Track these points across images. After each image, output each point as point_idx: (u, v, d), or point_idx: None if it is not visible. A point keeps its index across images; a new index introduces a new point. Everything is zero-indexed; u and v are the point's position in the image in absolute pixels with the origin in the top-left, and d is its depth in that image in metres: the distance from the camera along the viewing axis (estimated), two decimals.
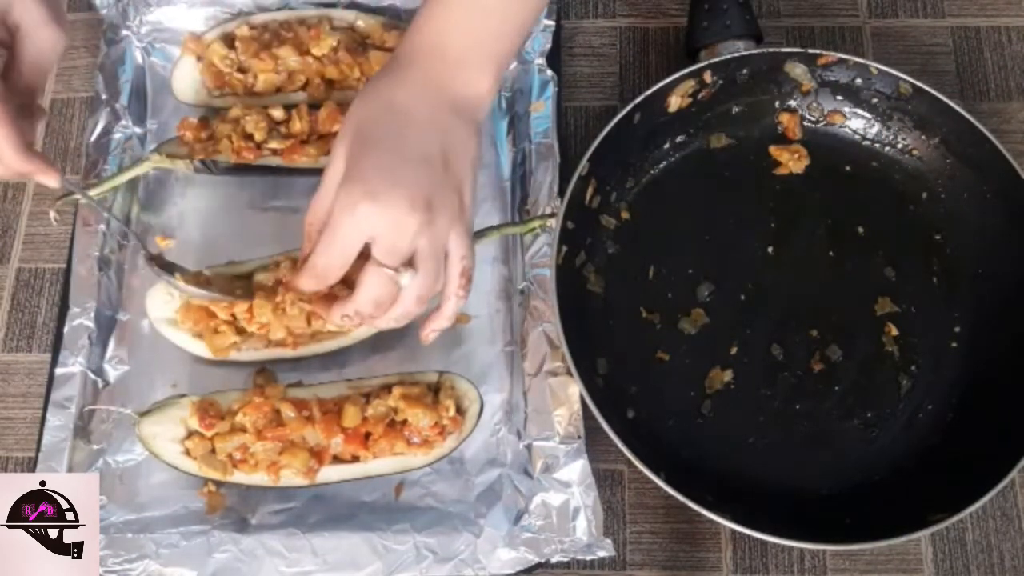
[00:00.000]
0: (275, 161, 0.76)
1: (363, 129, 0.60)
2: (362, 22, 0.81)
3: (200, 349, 0.72)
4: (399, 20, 0.83)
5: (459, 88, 0.62)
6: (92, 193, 0.75)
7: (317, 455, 0.68)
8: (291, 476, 0.68)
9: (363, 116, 0.61)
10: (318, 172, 0.76)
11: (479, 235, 0.73)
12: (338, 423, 0.68)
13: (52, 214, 0.74)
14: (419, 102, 0.60)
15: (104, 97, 0.80)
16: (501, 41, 0.63)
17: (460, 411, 0.69)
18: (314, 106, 0.78)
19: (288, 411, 0.67)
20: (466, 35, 0.62)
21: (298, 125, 0.76)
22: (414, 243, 0.58)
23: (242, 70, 0.80)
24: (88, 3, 0.85)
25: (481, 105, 0.63)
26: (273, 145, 0.76)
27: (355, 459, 0.68)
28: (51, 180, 0.65)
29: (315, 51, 0.79)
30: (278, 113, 0.77)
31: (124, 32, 0.83)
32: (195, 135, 0.77)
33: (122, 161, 0.79)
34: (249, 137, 0.76)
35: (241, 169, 0.77)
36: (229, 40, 0.80)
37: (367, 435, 0.68)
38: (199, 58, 0.80)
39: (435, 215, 0.58)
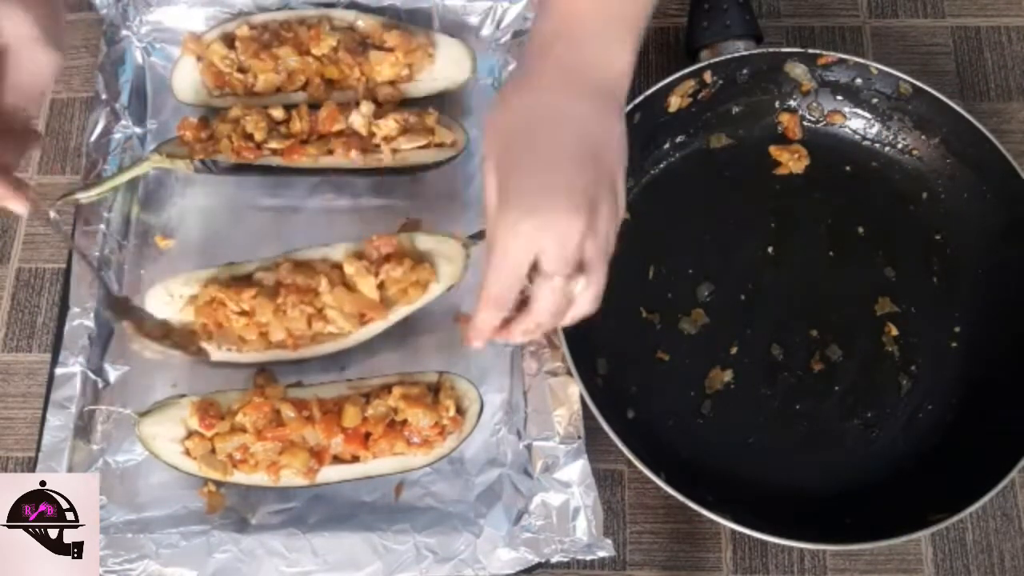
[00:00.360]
0: (275, 161, 0.76)
1: (506, 142, 0.57)
2: (362, 22, 0.81)
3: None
4: (399, 20, 0.83)
5: (598, 71, 0.58)
6: (92, 193, 0.75)
7: (317, 455, 0.68)
8: (291, 476, 0.68)
9: (504, 127, 0.58)
10: (318, 172, 0.77)
11: (479, 236, 0.73)
12: (338, 423, 0.68)
13: (52, 214, 0.74)
14: (559, 99, 0.57)
15: (104, 97, 0.80)
16: (635, 10, 0.59)
17: (460, 411, 0.69)
18: (314, 106, 0.78)
19: (288, 411, 0.67)
20: (597, 11, 0.58)
21: (298, 125, 0.76)
22: (580, 249, 0.56)
23: (242, 70, 0.80)
24: (88, 3, 0.85)
25: (622, 83, 0.59)
26: (273, 145, 0.76)
27: (355, 459, 0.68)
28: (18, 207, 0.61)
29: (315, 51, 0.79)
30: (278, 113, 0.77)
31: (124, 32, 0.83)
32: (195, 135, 0.77)
33: (122, 161, 0.79)
34: (249, 137, 0.76)
35: (241, 169, 0.77)
36: (229, 40, 0.80)
37: (367, 435, 0.68)
38: (199, 58, 0.80)
39: (596, 216, 0.56)
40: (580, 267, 0.57)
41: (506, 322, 0.61)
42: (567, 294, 0.58)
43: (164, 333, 0.71)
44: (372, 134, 0.76)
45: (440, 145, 0.77)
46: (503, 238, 0.56)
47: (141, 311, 0.72)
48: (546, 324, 0.60)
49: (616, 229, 0.59)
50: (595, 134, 0.58)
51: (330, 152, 0.76)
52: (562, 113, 0.57)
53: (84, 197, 0.75)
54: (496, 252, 0.57)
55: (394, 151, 0.76)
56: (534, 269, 0.57)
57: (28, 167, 0.83)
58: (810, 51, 0.78)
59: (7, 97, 0.58)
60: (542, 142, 0.57)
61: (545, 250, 0.56)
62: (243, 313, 0.71)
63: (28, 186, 0.62)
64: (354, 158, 0.76)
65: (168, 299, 0.73)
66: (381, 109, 0.77)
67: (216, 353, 0.72)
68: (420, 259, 0.72)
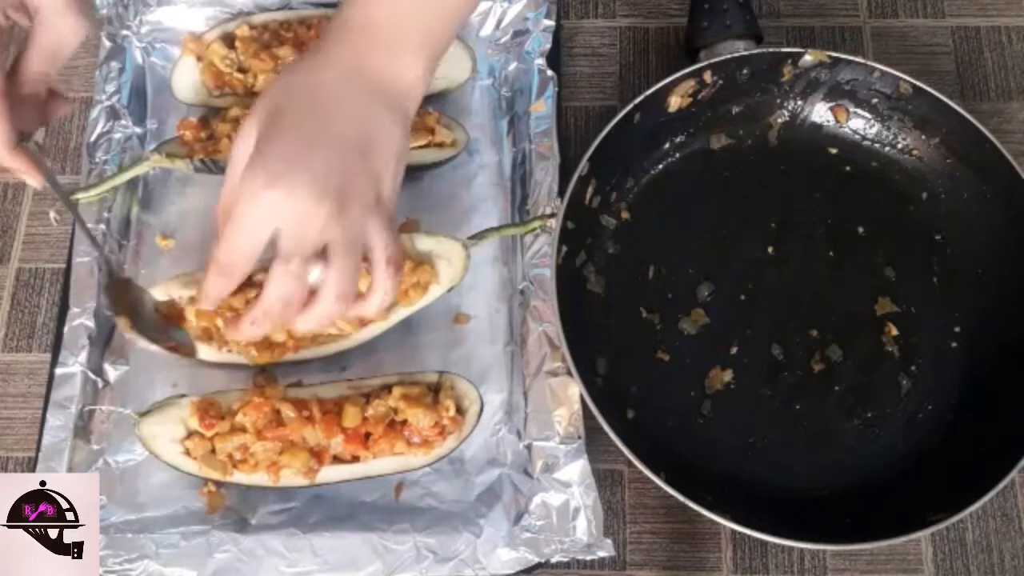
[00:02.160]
0: None
1: (277, 111, 0.55)
2: None
3: (201, 350, 0.72)
4: None
5: (388, 73, 0.57)
6: (92, 193, 0.75)
7: (317, 455, 0.68)
8: (291, 476, 0.68)
9: (279, 97, 0.56)
10: None
11: (479, 236, 0.73)
12: (338, 423, 0.68)
13: (52, 214, 0.74)
14: (342, 86, 0.56)
15: (104, 97, 0.80)
16: (437, 24, 0.59)
17: (460, 411, 0.69)
18: None
19: (288, 411, 0.67)
20: (399, 15, 0.57)
21: None
22: (323, 235, 0.54)
23: (242, 70, 0.80)
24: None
25: (411, 94, 0.58)
26: None
27: (355, 459, 0.68)
28: (34, 181, 0.62)
29: None
30: None
31: (124, 32, 0.83)
32: (195, 135, 0.77)
33: (122, 161, 0.79)
34: None
35: None
36: (229, 40, 0.80)
37: (367, 435, 0.68)
38: (199, 58, 0.80)
39: (347, 206, 0.54)
40: (321, 256, 0.55)
41: (237, 314, 0.60)
42: (301, 281, 0.56)
43: (164, 315, 0.71)
44: None
45: (440, 145, 0.77)
46: (243, 202, 0.54)
47: (142, 291, 0.71)
48: (275, 313, 0.57)
49: (384, 230, 0.57)
50: (369, 130, 0.56)
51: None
52: (339, 96, 0.56)
53: (84, 197, 0.75)
54: (233, 216, 0.54)
55: None
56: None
57: None
58: (810, 51, 0.78)
59: (32, 63, 0.58)
60: (312, 118, 0.55)
61: (283, 228, 0.54)
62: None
63: (44, 161, 0.62)
64: None
65: (168, 298, 0.73)
66: None
67: (216, 354, 0.72)
68: (420, 260, 0.72)
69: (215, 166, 0.77)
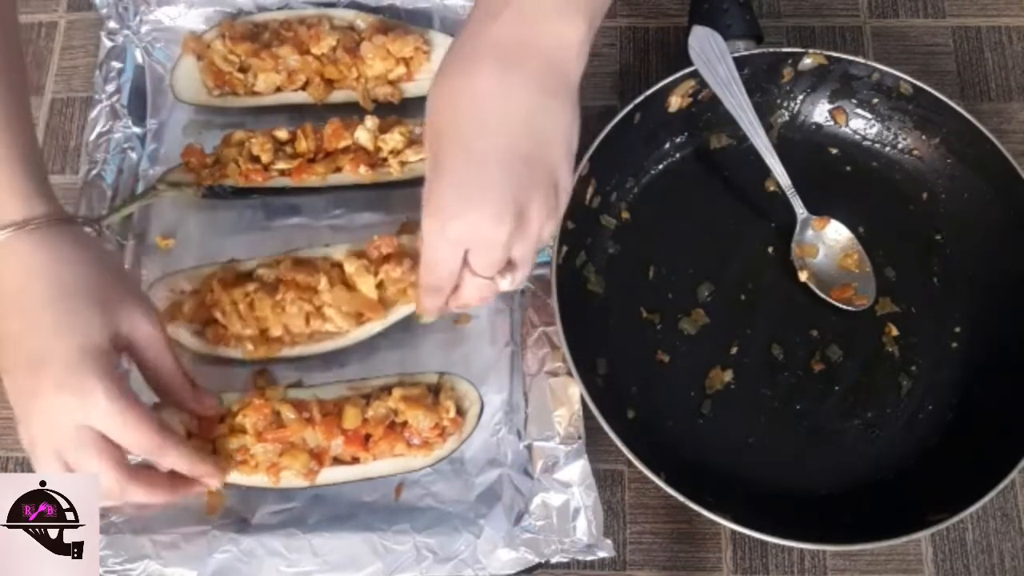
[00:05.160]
0: (284, 182, 0.76)
1: (438, 129, 0.54)
2: (361, 21, 0.81)
3: (200, 346, 0.72)
4: (398, 19, 0.83)
5: (544, 44, 0.52)
6: (103, 224, 0.75)
7: (317, 457, 0.68)
8: (291, 478, 0.68)
9: (437, 114, 0.54)
10: (328, 191, 0.76)
11: None
12: (338, 425, 0.67)
13: None
14: (495, 84, 0.52)
15: (104, 97, 0.80)
16: None
17: (460, 412, 0.69)
18: (318, 124, 0.77)
19: (288, 413, 0.67)
20: None
21: (304, 144, 0.76)
22: (506, 252, 0.55)
23: (242, 69, 0.80)
24: (88, 3, 0.85)
25: (572, 62, 0.53)
26: (280, 166, 0.76)
27: (355, 461, 0.68)
28: (212, 482, 0.64)
29: (315, 50, 0.79)
30: (282, 134, 0.77)
31: (124, 32, 0.83)
32: (201, 161, 0.76)
33: (122, 161, 0.79)
34: (256, 159, 0.76)
35: (249, 193, 0.77)
36: (228, 38, 0.80)
37: (367, 437, 0.68)
38: (199, 57, 0.80)
39: (526, 220, 0.54)
40: (509, 266, 0.57)
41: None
42: (493, 287, 0.59)
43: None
44: (379, 148, 0.76)
45: None
46: (429, 235, 0.56)
47: None
48: (472, 306, 0.62)
49: (556, 224, 0.57)
50: (533, 126, 0.53)
51: (338, 169, 0.76)
52: (495, 100, 0.52)
53: (89, 231, 0.74)
54: (426, 248, 0.57)
55: (402, 164, 0.76)
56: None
57: None
58: (810, 51, 0.78)
59: (153, 375, 0.61)
60: (470, 135, 0.53)
61: (471, 251, 0.56)
62: (240, 305, 0.71)
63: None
64: (363, 173, 0.76)
65: (169, 295, 0.73)
66: (385, 122, 0.77)
67: (213, 349, 0.72)
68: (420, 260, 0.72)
69: (223, 191, 0.76)
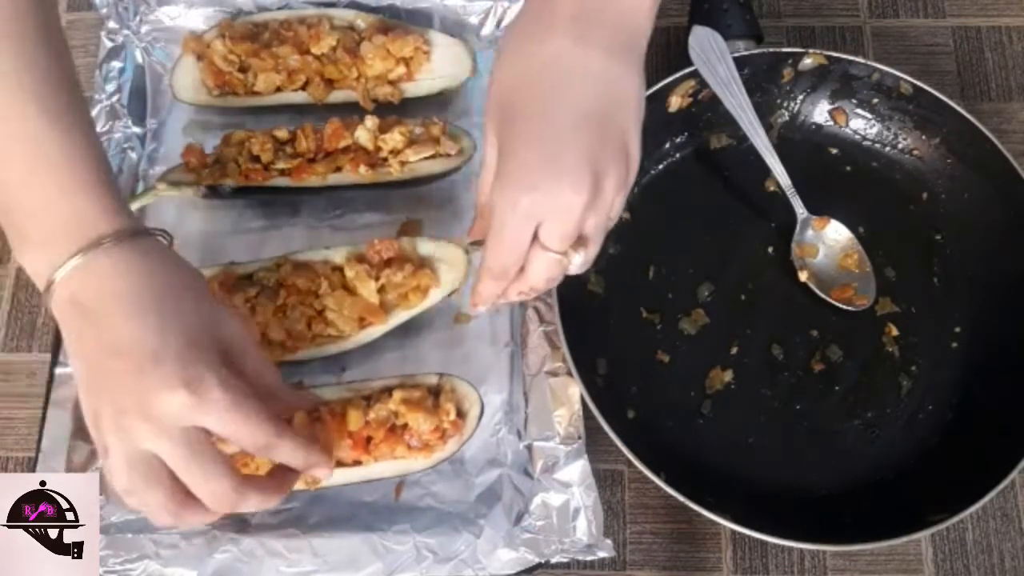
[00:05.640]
0: (284, 182, 0.76)
1: (507, 101, 0.53)
2: (361, 21, 0.81)
3: None
4: (398, 19, 0.83)
5: (616, 8, 0.53)
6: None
7: None
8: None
9: (504, 83, 0.53)
10: (328, 190, 0.76)
11: (480, 242, 0.73)
12: (344, 428, 0.67)
13: None
14: (566, 50, 0.52)
15: (104, 97, 0.80)
16: None
17: (460, 414, 0.69)
18: (318, 123, 0.77)
19: (299, 418, 0.67)
20: None
21: (304, 144, 0.76)
22: (581, 224, 0.53)
23: (243, 69, 0.80)
24: (88, 3, 0.85)
25: (642, 28, 0.54)
26: (281, 166, 0.75)
27: (356, 463, 0.68)
28: (322, 472, 0.59)
29: (315, 50, 0.79)
30: (282, 134, 0.76)
31: (124, 32, 0.83)
32: (201, 161, 0.76)
33: (122, 161, 0.79)
34: (256, 159, 0.76)
35: (249, 192, 0.77)
36: (228, 38, 0.80)
37: (368, 439, 0.68)
38: (199, 57, 0.80)
39: (601, 188, 0.52)
40: (580, 240, 0.55)
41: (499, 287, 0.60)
42: (563, 265, 0.56)
43: None
44: (379, 148, 0.76)
45: (447, 155, 0.77)
46: (501, 212, 0.54)
47: None
48: (539, 289, 0.59)
49: (626, 194, 0.56)
50: (607, 92, 0.53)
51: (338, 169, 0.76)
52: (569, 69, 0.52)
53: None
54: (495, 227, 0.55)
55: (402, 164, 0.76)
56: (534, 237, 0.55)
57: None
58: (810, 51, 0.78)
59: (255, 383, 0.57)
60: (545, 106, 0.52)
61: (544, 226, 0.53)
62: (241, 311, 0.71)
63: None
64: (363, 173, 0.75)
65: None
66: (386, 122, 0.77)
67: None
68: (421, 264, 0.72)
69: (223, 191, 0.76)
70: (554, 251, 0.55)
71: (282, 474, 0.59)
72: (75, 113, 0.55)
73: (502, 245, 0.55)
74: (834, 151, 0.82)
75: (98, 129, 0.79)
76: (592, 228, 0.55)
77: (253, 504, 0.55)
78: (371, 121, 0.76)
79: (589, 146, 0.52)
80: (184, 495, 0.53)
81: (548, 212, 0.53)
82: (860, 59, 0.78)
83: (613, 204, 0.55)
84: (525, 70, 0.53)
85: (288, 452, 0.55)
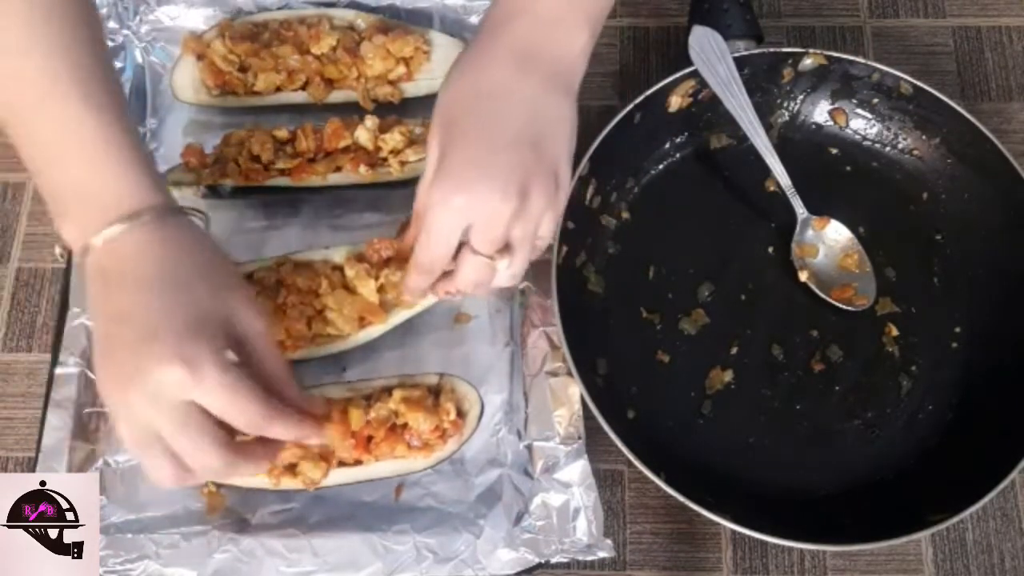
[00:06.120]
0: (284, 181, 0.76)
1: (451, 117, 0.59)
2: (361, 21, 0.81)
3: None
4: (398, 19, 0.83)
5: (552, 50, 0.58)
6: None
7: (324, 459, 0.67)
8: (292, 482, 0.67)
9: (451, 102, 0.59)
10: (328, 190, 0.76)
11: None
12: (346, 426, 0.67)
13: (57, 250, 0.74)
14: (508, 79, 0.58)
15: None
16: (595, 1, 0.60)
17: (460, 414, 0.69)
18: (318, 123, 0.77)
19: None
20: None
21: (304, 143, 0.76)
22: (508, 231, 0.58)
23: (242, 69, 0.80)
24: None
25: (575, 68, 0.60)
26: (280, 165, 0.75)
27: (357, 463, 0.68)
28: (313, 439, 0.62)
29: (315, 50, 0.79)
30: (282, 133, 0.76)
31: (124, 32, 0.83)
32: (201, 160, 0.76)
33: None
34: (256, 159, 0.76)
35: (249, 192, 0.77)
36: (228, 38, 0.80)
37: (369, 438, 0.68)
38: (199, 57, 0.80)
39: (529, 201, 0.57)
40: (506, 248, 0.59)
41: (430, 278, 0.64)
42: (490, 270, 0.60)
43: None
44: (379, 148, 0.76)
45: None
46: (434, 209, 0.58)
47: None
48: (466, 292, 0.63)
49: (554, 217, 0.60)
50: (541, 119, 0.58)
51: (338, 169, 0.76)
52: (509, 92, 0.58)
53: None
54: (428, 222, 0.59)
55: (402, 163, 0.76)
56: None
57: None
58: (810, 51, 0.78)
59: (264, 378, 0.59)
60: (484, 120, 0.58)
61: (473, 227, 0.58)
62: None
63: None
64: (363, 173, 0.75)
65: None
66: (386, 122, 0.77)
67: None
68: None
69: (223, 191, 0.76)
70: (482, 253, 0.59)
71: (272, 441, 0.60)
72: (116, 97, 0.59)
73: (432, 239, 0.59)
74: (834, 151, 0.82)
75: None
76: (518, 238, 0.59)
77: (247, 471, 0.58)
78: (371, 121, 0.76)
79: (521, 163, 0.57)
80: (181, 462, 0.55)
81: (478, 214, 0.57)
82: (860, 59, 0.78)
83: (540, 220, 0.59)
84: (470, 92, 0.58)
85: (280, 430, 0.58)
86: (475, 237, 0.58)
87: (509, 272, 0.61)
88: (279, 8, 0.83)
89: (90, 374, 0.72)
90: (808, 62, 0.78)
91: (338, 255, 0.73)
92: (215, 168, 0.76)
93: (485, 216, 0.57)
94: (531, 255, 0.62)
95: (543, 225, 0.60)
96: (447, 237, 0.59)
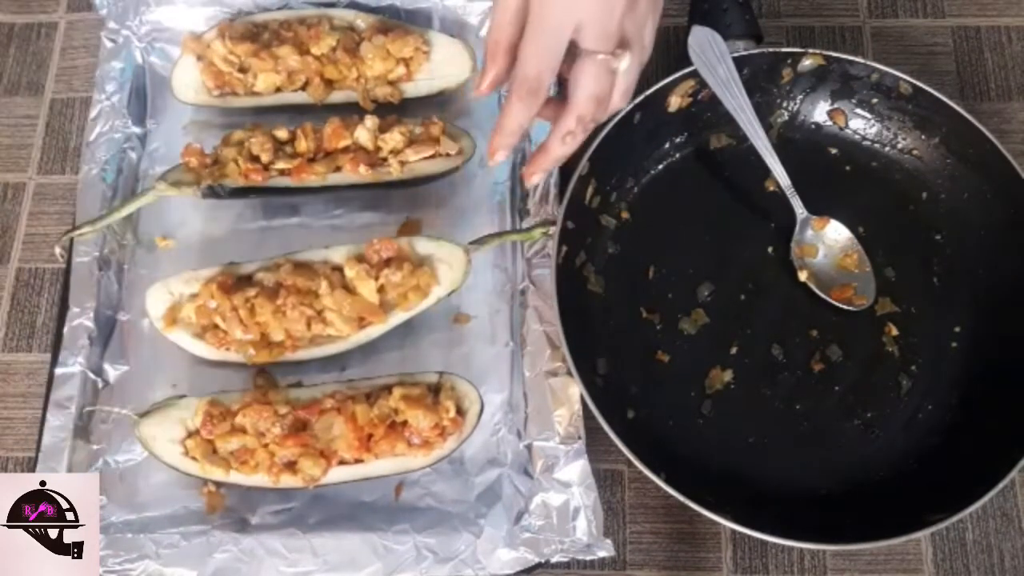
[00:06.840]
0: (284, 181, 0.76)
1: None
2: (361, 21, 0.81)
3: (200, 349, 0.72)
4: (398, 19, 0.83)
5: None
6: (98, 226, 0.74)
7: (325, 457, 0.67)
8: (292, 480, 0.68)
9: None
10: (327, 190, 0.76)
11: (481, 242, 0.73)
12: (352, 421, 0.67)
13: (57, 250, 0.74)
14: None
15: (104, 97, 0.80)
16: None
17: (460, 412, 0.69)
18: (318, 123, 0.77)
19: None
20: None
21: (304, 144, 0.76)
22: (622, 24, 0.55)
23: (242, 70, 0.80)
24: (88, 3, 0.85)
25: None
26: (280, 165, 0.75)
27: (358, 461, 0.68)
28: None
29: (315, 51, 0.79)
30: (282, 133, 0.76)
31: (124, 32, 0.83)
32: (200, 161, 0.76)
33: (122, 161, 0.79)
34: (255, 159, 0.76)
35: (248, 192, 0.77)
36: (228, 38, 0.80)
37: (369, 436, 0.68)
38: (199, 58, 0.80)
39: (636, 3, 0.55)
40: (622, 44, 0.55)
41: (541, 148, 0.59)
42: (609, 76, 0.56)
43: None
44: (378, 148, 0.76)
45: (446, 154, 0.77)
46: (539, 11, 0.53)
47: None
48: (587, 115, 0.57)
49: (654, 30, 0.57)
50: None
51: (338, 169, 0.76)
52: None
53: (90, 230, 0.74)
54: (532, 19, 0.54)
55: (402, 163, 0.76)
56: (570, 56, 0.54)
57: (28, 167, 0.83)
58: (810, 51, 0.78)
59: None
60: None
61: (585, 23, 0.54)
62: (241, 311, 0.71)
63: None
64: (363, 173, 0.76)
65: (168, 297, 0.73)
66: (385, 122, 0.77)
67: (215, 353, 0.72)
68: (420, 264, 0.72)
69: (223, 191, 0.76)
70: (600, 51, 0.54)
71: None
72: None
73: (540, 39, 0.54)
74: (834, 151, 0.82)
75: (98, 129, 0.79)
76: (631, 32, 0.55)
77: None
78: (371, 121, 0.76)
79: None
80: None
81: (588, 10, 0.53)
82: (859, 59, 0.78)
83: (646, 22, 0.55)
84: None
85: None
86: (589, 34, 0.54)
87: (625, 81, 0.56)
88: (279, 8, 0.83)
89: (90, 374, 0.72)
90: (807, 62, 0.78)
91: (338, 255, 0.73)
92: (215, 168, 0.76)
93: (597, 11, 0.53)
94: (622, 100, 0.58)
95: (647, 39, 0.56)
96: (558, 33, 0.53)
